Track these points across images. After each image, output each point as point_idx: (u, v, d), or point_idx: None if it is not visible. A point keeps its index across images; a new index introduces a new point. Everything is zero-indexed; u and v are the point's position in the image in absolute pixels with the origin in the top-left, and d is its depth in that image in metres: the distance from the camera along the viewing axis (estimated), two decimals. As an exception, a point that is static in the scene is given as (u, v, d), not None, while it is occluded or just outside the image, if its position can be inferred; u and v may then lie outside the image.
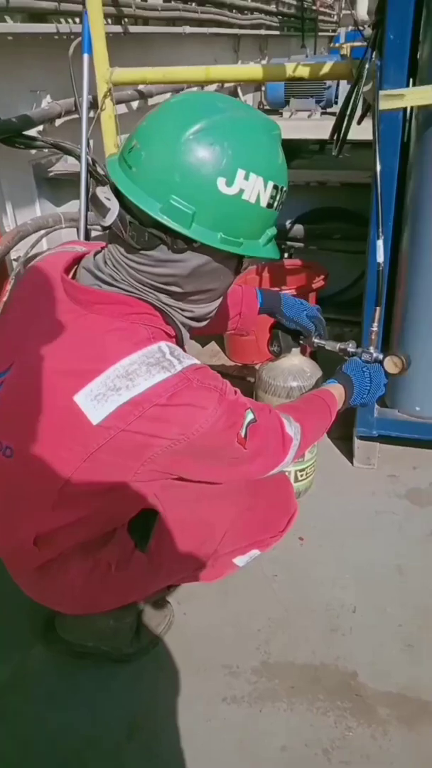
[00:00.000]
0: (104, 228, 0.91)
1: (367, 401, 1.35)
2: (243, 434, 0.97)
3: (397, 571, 1.52)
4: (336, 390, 1.27)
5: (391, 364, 1.37)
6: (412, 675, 1.28)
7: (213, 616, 1.42)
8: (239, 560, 1.24)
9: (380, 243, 1.39)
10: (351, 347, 1.42)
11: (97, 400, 0.87)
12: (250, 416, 0.98)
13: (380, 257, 1.40)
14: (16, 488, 0.99)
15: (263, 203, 0.89)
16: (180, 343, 0.99)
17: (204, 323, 1.04)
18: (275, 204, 0.91)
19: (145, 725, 1.22)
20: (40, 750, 1.18)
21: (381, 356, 1.38)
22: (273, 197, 0.90)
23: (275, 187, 0.90)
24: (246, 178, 0.85)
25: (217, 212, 0.86)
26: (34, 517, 0.98)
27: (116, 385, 0.87)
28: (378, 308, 1.47)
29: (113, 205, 0.88)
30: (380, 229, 1.39)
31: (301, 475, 1.68)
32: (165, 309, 0.96)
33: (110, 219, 0.88)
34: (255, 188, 0.87)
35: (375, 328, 1.47)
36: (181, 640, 1.37)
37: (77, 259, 1.03)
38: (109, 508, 1.00)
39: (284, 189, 0.92)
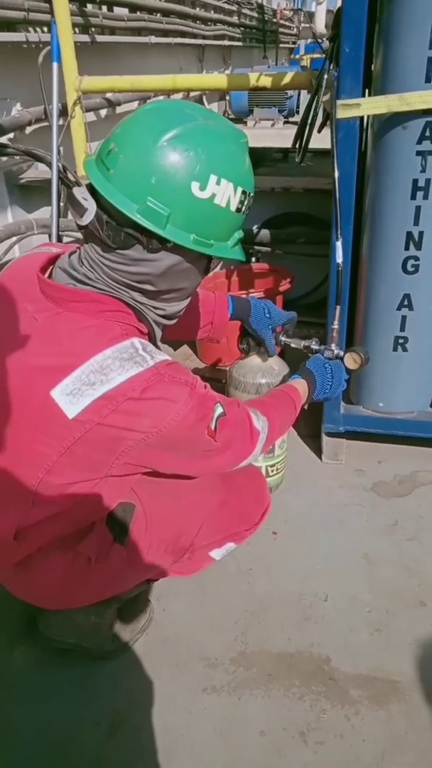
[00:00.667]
0: (80, 227, 0.95)
1: (329, 396, 1.41)
2: (213, 427, 1.01)
3: (365, 560, 1.58)
4: (300, 385, 1.33)
5: (350, 360, 1.44)
6: (381, 657, 1.34)
7: (191, 611, 1.46)
8: (215, 553, 1.28)
9: (339, 244, 1.47)
10: (314, 344, 1.50)
11: (73, 395, 0.90)
12: (219, 410, 1.02)
13: (339, 258, 1.48)
14: None
15: (233, 207, 0.94)
16: (153, 340, 1.03)
17: (174, 321, 1.08)
18: (243, 208, 0.97)
19: (127, 720, 1.24)
20: (22, 749, 1.19)
21: (342, 353, 1.46)
22: (241, 202, 0.95)
23: (243, 192, 0.95)
24: (218, 183, 0.90)
25: (190, 214, 0.91)
26: (13, 512, 1.00)
27: (91, 380, 0.90)
28: (338, 307, 1.54)
29: (90, 205, 0.91)
30: (339, 232, 1.47)
31: (272, 471, 1.73)
32: (138, 307, 0.99)
33: (87, 218, 0.91)
34: (226, 193, 0.92)
35: (336, 326, 1.55)
36: (161, 635, 1.40)
37: (52, 260, 1.06)
38: (87, 502, 1.02)
39: (251, 194, 0.98)
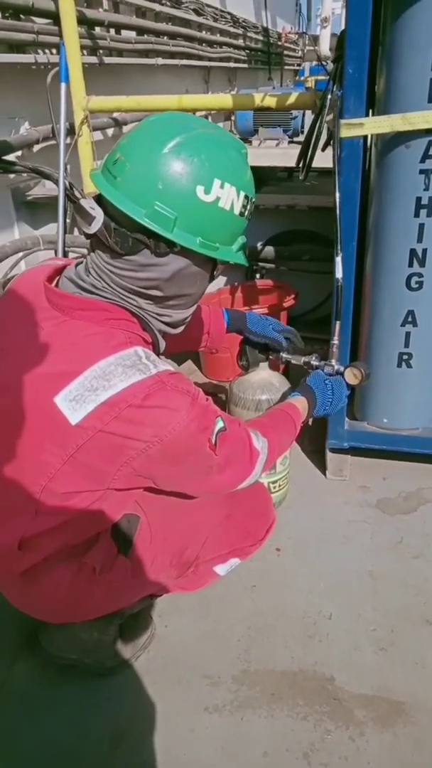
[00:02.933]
0: (88, 236, 0.96)
1: (329, 412, 1.41)
2: (213, 441, 1.01)
3: (370, 578, 1.56)
4: (300, 403, 1.33)
5: (351, 375, 1.44)
6: (386, 677, 1.32)
7: (194, 628, 1.44)
8: (220, 569, 1.27)
9: (339, 260, 1.48)
10: (315, 360, 1.50)
11: (76, 401, 0.91)
12: (220, 424, 1.02)
13: (339, 273, 1.49)
14: (0, 492, 1.00)
15: (236, 211, 0.97)
16: (156, 351, 1.04)
17: (179, 330, 1.09)
18: (246, 213, 0.99)
19: (129, 737, 1.22)
20: (23, 764, 1.18)
21: (342, 368, 1.46)
22: (244, 206, 0.98)
23: (246, 197, 0.98)
24: (221, 187, 0.93)
25: (196, 218, 0.93)
26: (17, 521, 1.00)
27: (93, 386, 0.91)
28: (338, 322, 1.54)
29: (98, 213, 0.93)
30: (339, 247, 1.48)
31: (275, 487, 1.72)
32: (143, 315, 1.00)
33: (96, 226, 0.93)
34: (229, 197, 0.94)
35: (336, 342, 1.55)
36: (163, 652, 1.38)
37: (59, 270, 1.08)
38: (90, 512, 1.02)
39: (253, 200, 1.01)
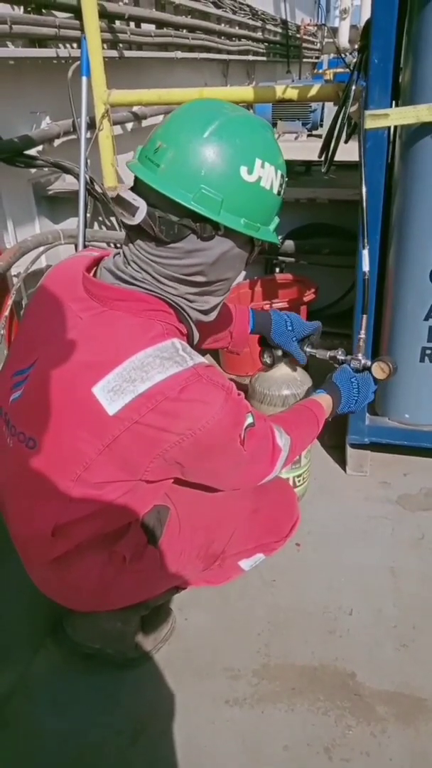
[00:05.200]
0: (128, 228, 0.97)
1: (354, 409, 1.40)
2: (242, 436, 1.01)
3: (391, 574, 1.55)
4: (324, 400, 1.32)
5: (378, 370, 1.43)
6: (408, 673, 1.31)
7: (214, 622, 1.45)
8: (245, 563, 1.28)
9: (365, 252, 1.47)
10: (340, 355, 1.49)
11: (114, 392, 0.92)
12: (250, 419, 1.03)
13: (366, 266, 1.47)
14: (37, 479, 1.02)
15: (275, 190, 0.99)
16: (191, 342, 1.04)
17: (212, 315, 1.10)
18: (282, 192, 1.02)
19: (150, 729, 1.23)
20: (45, 755, 1.19)
21: (369, 363, 1.45)
22: (281, 185, 1.01)
23: (282, 176, 1.00)
24: (262, 166, 0.95)
25: (240, 198, 0.95)
26: (52, 508, 1.01)
27: (132, 377, 0.92)
28: (365, 316, 1.53)
29: (141, 204, 0.94)
30: (365, 240, 1.47)
31: (299, 481, 1.72)
32: (180, 305, 1.01)
33: (140, 216, 0.94)
34: (269, 176, 0.96)
35: (362, 336, 1.54)
36: (183, 645, 1.39)
37: (96, 261, 1.09)
38: (122, 502, 1.03)
39: (286, 179, 1.03)
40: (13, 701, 1.28)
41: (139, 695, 1.29)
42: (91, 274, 1.05)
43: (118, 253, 1.05)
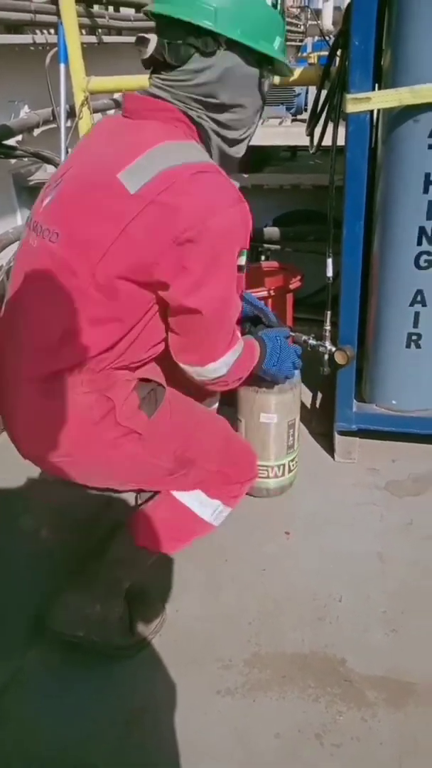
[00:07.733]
0: (147, 65, 1.08)
1: (273, 373, 1.39)
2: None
3: (379, 560, 1.56)
4: (254, 346, 1.33)
5: (340, 356, 1.68)
6: (397, 658, 1.32)
7: (204, 612, 1.45)
8: (206, 506, 1.25)
9: (330, 261, 1.69)
10: (311, 340, 1.71)
11: (136, 173, 0.99)
12: (242, 262, 1.09)
13: (330, 272, 1.72)
14: (56, 275, 1.04)
15: (269, 1, 1.05)
16: None
17: (235, 149, 1.15)
18: (278, 7, 1.07)
19: (142, 720, 1.23)
20: (40, 750, 1.19)
21: (333, 349, 1.70)
22: (275, 3, 1.06)
23: None
24: None
25: (235, 9, 1.01)
26: (66, 308, 1.03)
27: (154, 159, 1.00)
28: (329, 312, 1.76)
29: (152, 36, 1.04)
30: (330, 251, 1.67)
31: (293, 465, 1.74)
32: (204, 123, 1.08)
33: (151, 47, 1.04)
34: None
35: (328, 327, 1.75)
36: (174, 636, 1.39)
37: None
38: (131, 321, 1.06)
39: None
40: (6, 695, 1.28)
41: (131, 687, 1.29)
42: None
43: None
